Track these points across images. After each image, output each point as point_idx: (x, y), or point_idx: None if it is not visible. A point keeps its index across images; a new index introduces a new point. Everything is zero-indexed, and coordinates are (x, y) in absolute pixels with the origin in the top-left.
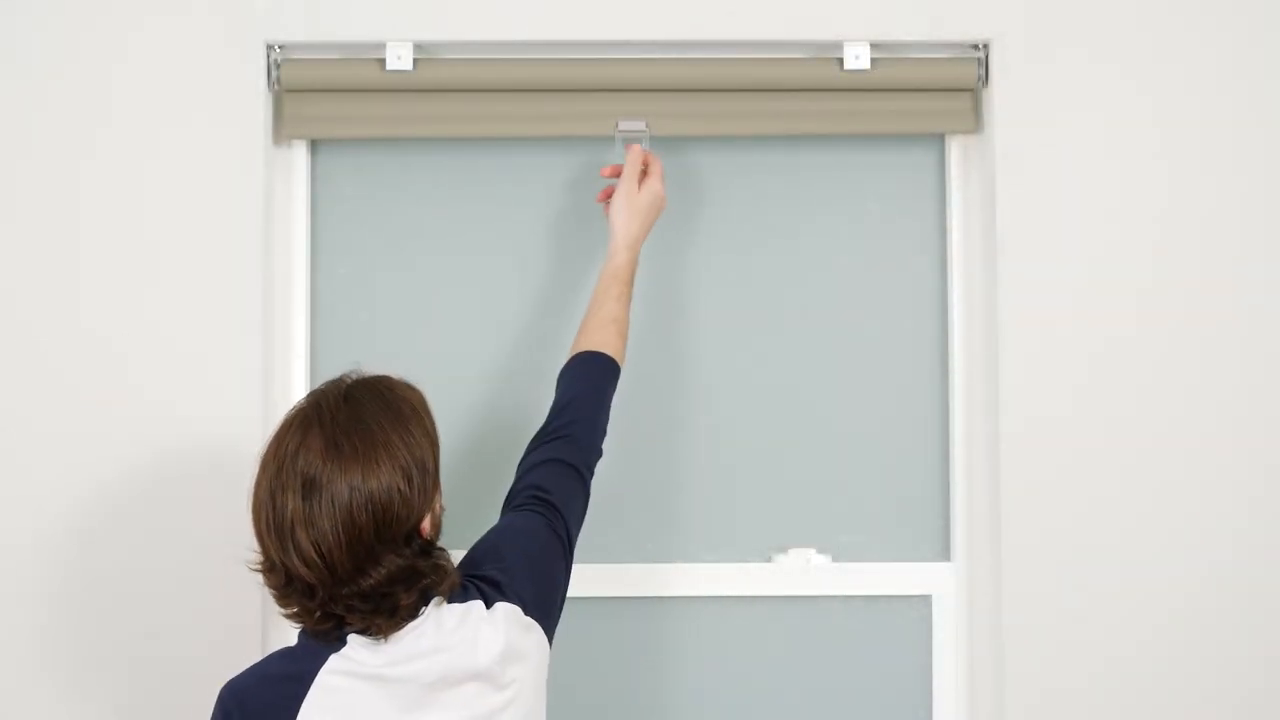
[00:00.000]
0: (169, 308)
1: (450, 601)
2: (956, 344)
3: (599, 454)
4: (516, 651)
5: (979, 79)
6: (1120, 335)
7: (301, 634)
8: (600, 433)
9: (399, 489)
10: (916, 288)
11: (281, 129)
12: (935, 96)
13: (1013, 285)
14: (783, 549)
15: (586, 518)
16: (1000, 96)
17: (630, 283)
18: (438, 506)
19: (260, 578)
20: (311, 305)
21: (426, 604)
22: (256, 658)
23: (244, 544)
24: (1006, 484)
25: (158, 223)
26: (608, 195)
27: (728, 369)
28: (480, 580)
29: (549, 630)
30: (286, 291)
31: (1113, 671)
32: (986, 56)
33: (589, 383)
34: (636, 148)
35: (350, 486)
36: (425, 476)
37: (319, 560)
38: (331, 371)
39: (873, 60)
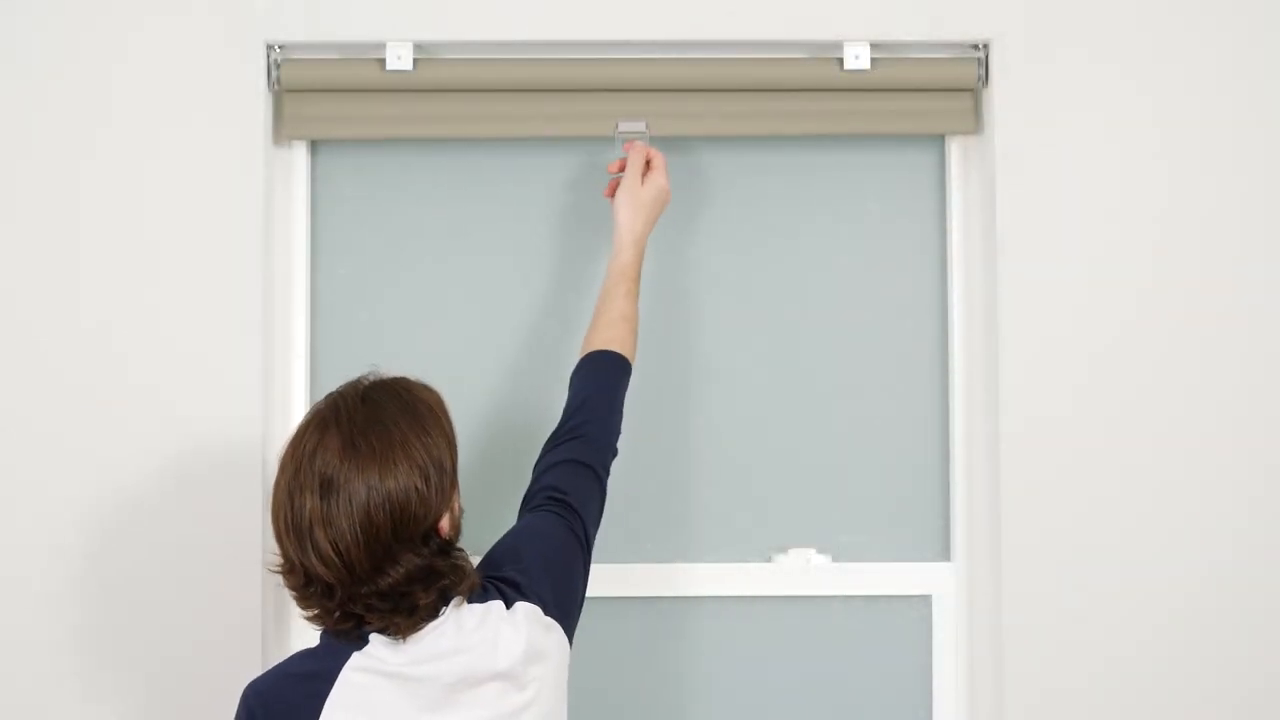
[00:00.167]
0: (169, 308)
1: (470, 602)
2: (956, 344)
3: (614, 453)
4: (538, 651)
5: (979, 79)
6: (1120, 335)
7: (323, 634)
8: (615, 432)
9: (416, 488)
10: (916, 288)
11: (281, 129)
12: (935, 96)
13: (1013, 285)
14: (783, 549)
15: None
16: (1000, 96)
17: (638, 279)
18: (456, 507)
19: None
20: (311, 305)
21: (446, 604)
22: (257, 658)
23: (244, 544)
24: (1006, 484)
25: (158, 223)
26: (614, 190)
27: (728, 369)
28: (499, 581)
29: (569, 630)
30: (286, 291)
31: (1113, 671)
32: (986, 56)
33: (603, 381)
34: (640, 144)
35: (368, 486)
36: (442, 476)
37: (337, 560)
38: (332, 371)
39: (873, 60)
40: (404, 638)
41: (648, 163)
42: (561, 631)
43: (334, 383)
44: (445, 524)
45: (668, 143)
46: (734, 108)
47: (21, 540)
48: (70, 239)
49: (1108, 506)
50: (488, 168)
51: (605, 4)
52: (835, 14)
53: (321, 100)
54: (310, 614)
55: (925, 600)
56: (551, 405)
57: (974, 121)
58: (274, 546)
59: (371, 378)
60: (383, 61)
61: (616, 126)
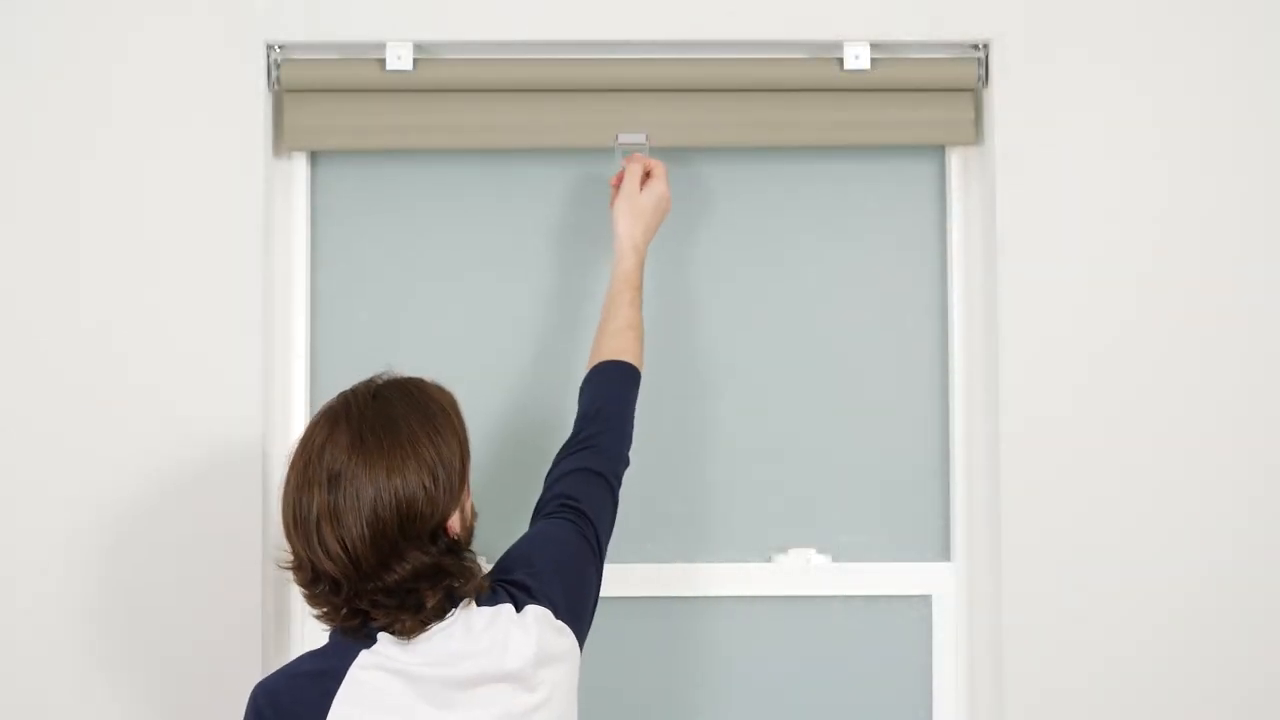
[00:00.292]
0: (169, 308)
1: (480, 605)
2: (957, 344)
3: (626, 463)
4: (549, 654)
5: (979, 79)
6: (1120, 335)
7: (332, 635)
8: (627, 441)
9: (424, 486)
10: (917, 287)
11: (282, 141)
12: (935, 97)
13: (1013, 285)
14: (783, 549)
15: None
16: (1000, 97)
17: (640, 286)
18: (468, 509)
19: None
20: (311, 304)
21: (455, 606)
22: (257, 658)
23: (244, 544)
24: (1006, 484)
25: (158, 223)
26: None
27: (728, 370)
28: (510, 584)
29: (580, 635)
30: (286, 291)
31: (1113, 671)
32: (986, 57)
33: (614, 392)
34: (638, 155)
35: (375, 482)
36: (451, 475)
37: (344, 555)
38: (332, 371)
39: (873, 60)
40: (411, 637)
41: (647, 173)
42: (573, 636)
43: (334, 382)
44: (454, 524)
45: (668, 154)
46: (734, 116)
47: (21, 540)
48: (70, 239)
49: (1108, 506)
50: (488, 178)
51: (605, 4)
52: (835, 14)
53: (321, 104)
54: (319, 612)
55: (925, 600)
56: (554, 414)
57: (974, 132)
58: (280, 544)
59: (385, 377)
60: (383, 62)
61: (617, 138)
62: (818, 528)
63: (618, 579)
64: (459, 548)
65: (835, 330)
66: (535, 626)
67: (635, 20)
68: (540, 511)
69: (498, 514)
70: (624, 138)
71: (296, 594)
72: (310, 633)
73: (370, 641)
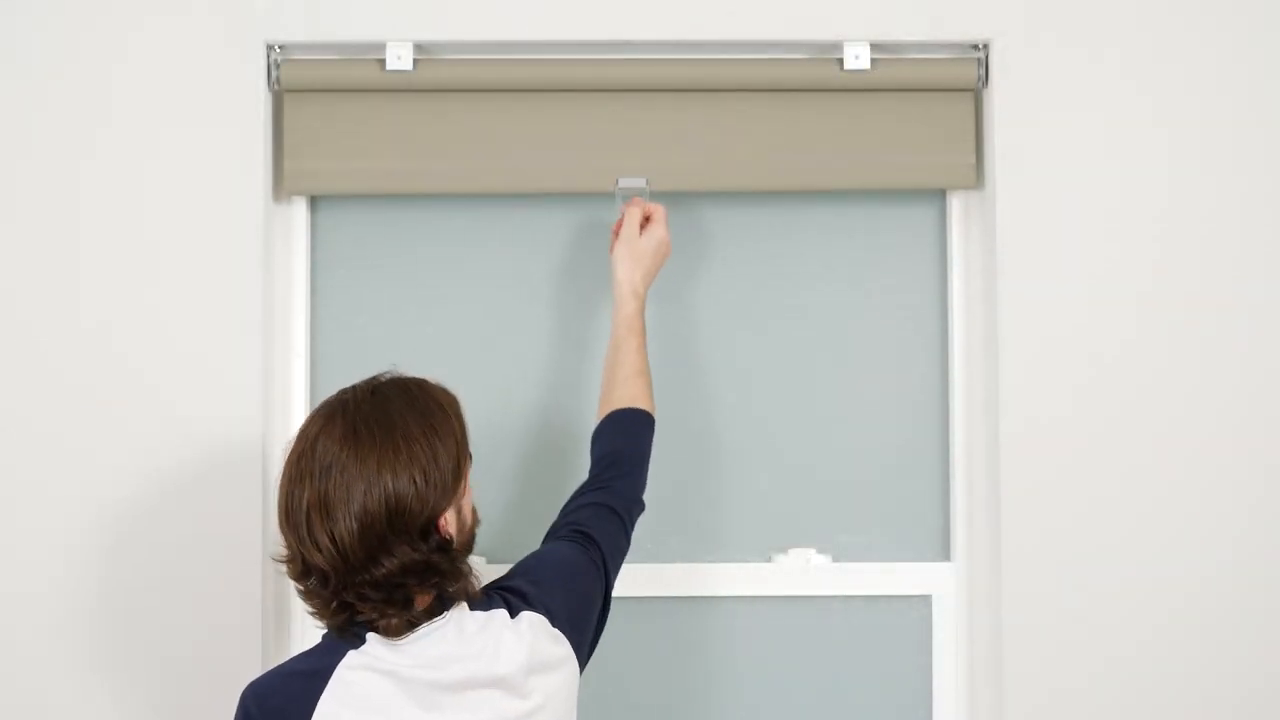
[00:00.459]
0: (169, 308)
1: (474, 609)
2: (957, 344)
3: (642, 506)
4: (542, 661)
5: (979, 79)
6: (1120, 335)
7: (324, 636)
8: (642, 485)
9: (414, 481)
10: (916, 286)
11: (282, 184)
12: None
13: (1013, 284)
14: (783, 549)
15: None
16: (1000, 96)
17: (644, 330)
18: (467, 512)
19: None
20: (311, 304)
21: (447, 608)
22: (257, 658)
23: (244, 544)
24: (1006, 484)
25: (158, 223)
26: None
27: (729, 369)
28: (506, 591)
29: (579, 647)
30: (286, 291)
31: (1113, 671)
32: (986, 56)
33: (629, 437)
34: (637, 199)
35: (365, 476)
36: (444, 474)
37: (332, 548)
38: (332, 369)
39: (873, 60)
40: (398, 637)
41: (647, 217)
42: (569, 646)
43: (335, 381)
44: (450, 524)
45: (668, 198)
46: (735, 158)
47: (21, 540)
48: (70, 239)
49: (1108, 507)
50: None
51: (605, 4)
52: (835, 14)
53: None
54: (311, 608)
55: (925, 600)
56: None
57: (975, 176)
58: (278, 539)
59: (388, 375)
60: (383, 62)
61: (617, 183)
62: (818, 528)
63: (618, 579)
64: (450, 547)
65: (835, 328)
66: (529, 633)
67: (635, 20)
68: (551, 537)
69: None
70: (624, 182)
71: (296, 593)
72: (310, 633)
73: (359, 642)
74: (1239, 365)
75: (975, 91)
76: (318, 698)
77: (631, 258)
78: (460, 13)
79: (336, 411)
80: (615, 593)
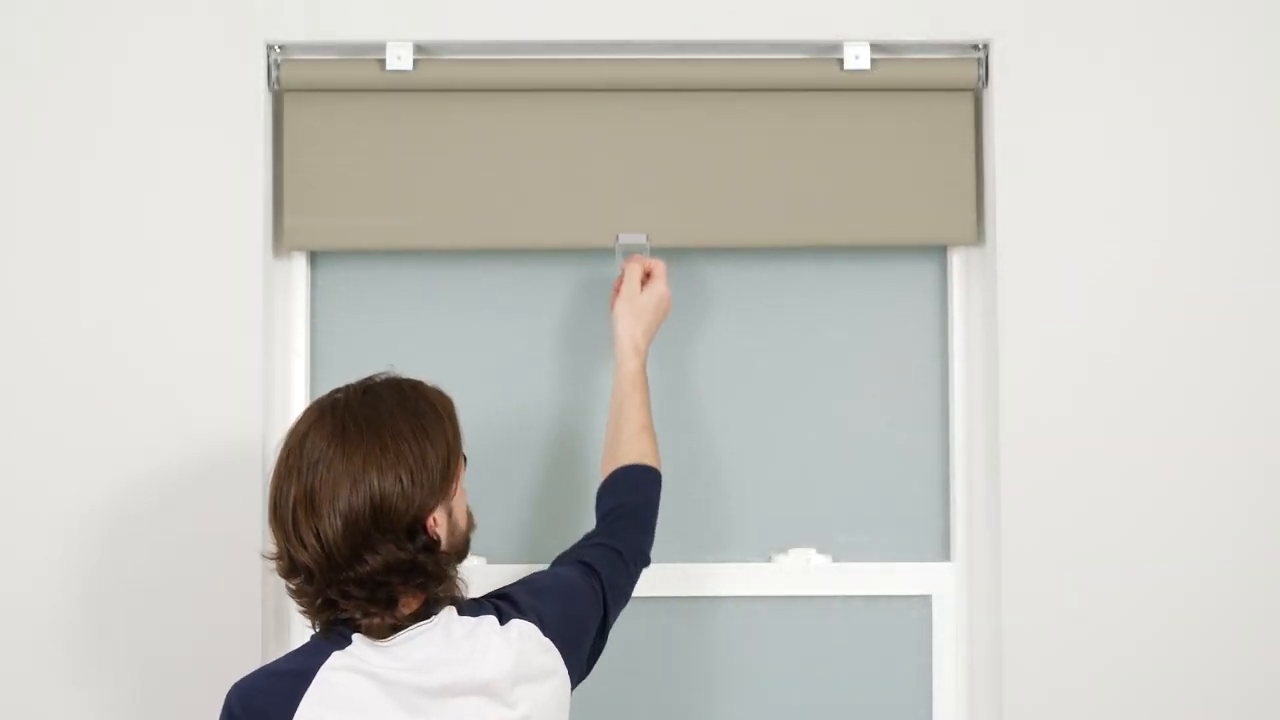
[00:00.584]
0: (169, 308)
1: (462, 614)
2: (957, 344)
3: (647, 560)
4: (529, 670)
5: (979, 79)
6: (1120, 335)
7: (313, 636)
8: (650, 539)
9: (400, 479)
10: (916, 286)
11: (282, 239)
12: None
13: (1013, 285)
14: (783, 549)
15: (588, 525)
16: (1000, 96)
17: (647, 386)
18: (459, 515)
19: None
20: (312, 304)
21: (435, 612)
22: (257, 658)
23: (244, 544)
24: (1006, 484)
25: (158, 223)
26: None
27: (730, 369)
28: (499, 599)
29: (570, 662)
30: (287, 291)
31: (1113, 671)
32: (986, 56)
33: (637, 492)
34: (638, 255)
35: (350, 473)
36: (432, 475)
37: (318, 545)
38: (333, 368)
39: (873, 61)
40: (382, 638)
41: (648, 273)
42: (560, 657)
43: (335, 379)
44: (439, 525)
45: (669, 254)
46: (735, 213)
47: (21, 540)
48: (70, 239)
49: (1108, 507)
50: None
51: (605, 5)
52: (835, 14)
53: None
54: (299, 606)
55: (925, 600)
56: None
57: (975, 233)
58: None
59: (383, 376)
60: (383, 62)
61: (617, 239)
62: (818, 528)
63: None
64: (437, 548)
65: (835, 325)
66: (518, 640)
67: (635, 21)
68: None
69: None
70: (624, 238)
71: (287, 592)
72: (309, 633)
73: (345, 642)
74: (1239, 365)
75: (975, 91)
76: (300, 698)
77: (633, 314)
78: (460, 13)
79: (327, 410)
80: None
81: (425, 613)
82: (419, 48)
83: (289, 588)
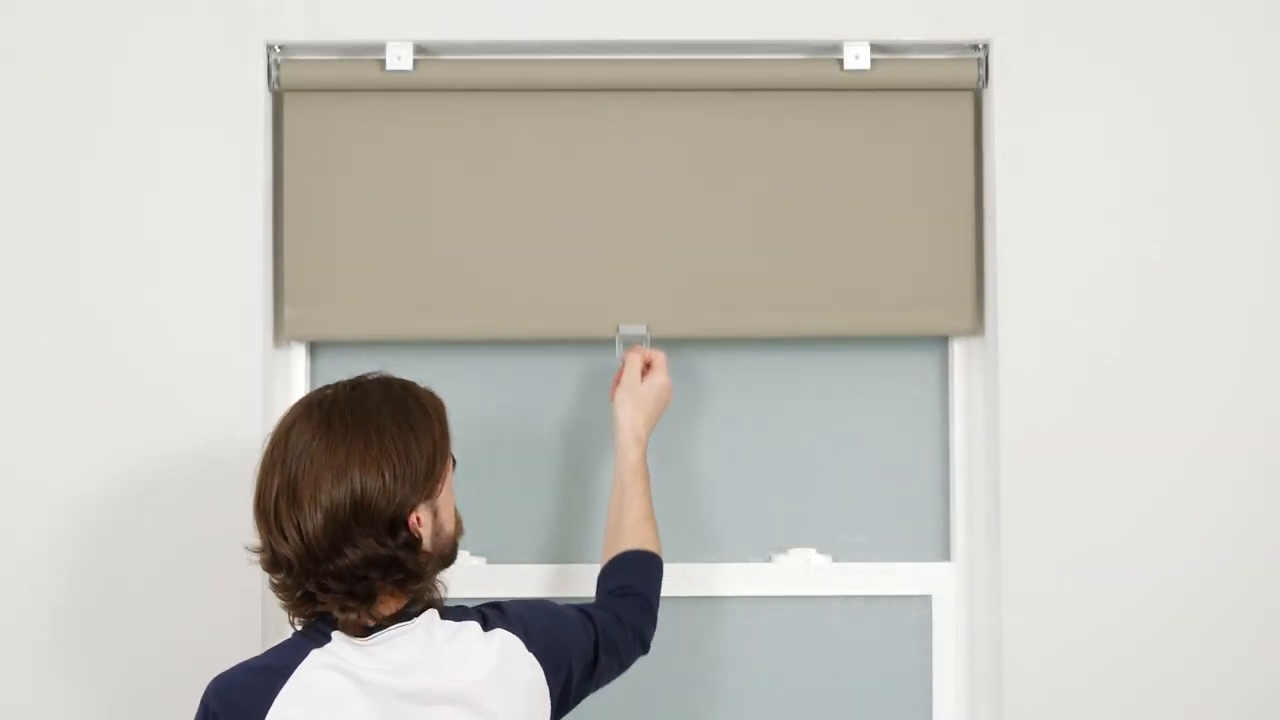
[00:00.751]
0: (169, 307)
1: (445, 619)
2: (957, 344)
3: (645, 648)
4: (509, 679)
5: (979, 79)
6: (1120, 335)
7: (295, 633)
8: (652, 623)
9: (382, 474)
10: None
11: (281, 330)
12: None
13: (1013, 284)
14: (783, 549)
15: (588, 524)
16: (1000, 97)
17: (648, 475)
18: (445, 515)
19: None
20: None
21: (418, 614)
22: (256, 652)
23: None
24: (1006, 484)
25: (158, 223)
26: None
27: (730, 368)
28: (489, 607)
29: (552, 687)
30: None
31: (1113, 672)
32: (986, 56)
33: (643, 578)
34: (638, 346)
35: (333, 466)
36: (416, 472)
37: (298, 537)
38: (333, 367)
39: (872, 60)
40: (361, 636)
41: (648, 364)
42: (541, 673)
43: (335, 377)
44: (423, 524)
45: (669, 345)
46: (735, 304)
47: (21, 539)
48: (70, 239)
49: (1108, 507)
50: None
51: (605, 5)
52: (835, 14)
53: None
54: (281, 601)
55: (925, 600)
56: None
57: (975, 321)
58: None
59: (374, 375)
60: (383, 62)
61: (618, 329)
62: (818, 528)
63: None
64: (418, 546)
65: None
66: (500, 647)
67: (635, 21)
68: None
69: None
70: (625, 329)
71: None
72: None
73: (325, 640)
74: (1239, 366)
75: (975, 91)
76: (275, 695)
77: (633, 404)
78: (460, 13)
79: (315, 404)
80: None
81: (406, 614)
82: (419, 48)
83: (272, 583)
